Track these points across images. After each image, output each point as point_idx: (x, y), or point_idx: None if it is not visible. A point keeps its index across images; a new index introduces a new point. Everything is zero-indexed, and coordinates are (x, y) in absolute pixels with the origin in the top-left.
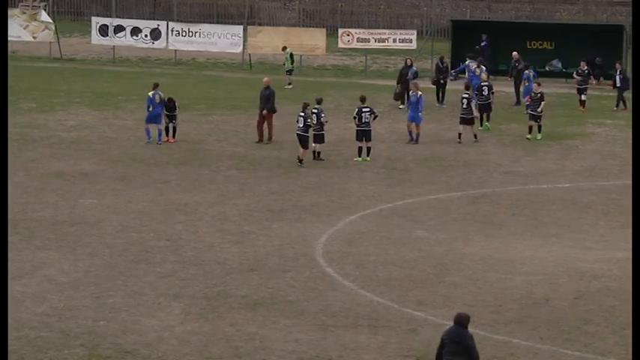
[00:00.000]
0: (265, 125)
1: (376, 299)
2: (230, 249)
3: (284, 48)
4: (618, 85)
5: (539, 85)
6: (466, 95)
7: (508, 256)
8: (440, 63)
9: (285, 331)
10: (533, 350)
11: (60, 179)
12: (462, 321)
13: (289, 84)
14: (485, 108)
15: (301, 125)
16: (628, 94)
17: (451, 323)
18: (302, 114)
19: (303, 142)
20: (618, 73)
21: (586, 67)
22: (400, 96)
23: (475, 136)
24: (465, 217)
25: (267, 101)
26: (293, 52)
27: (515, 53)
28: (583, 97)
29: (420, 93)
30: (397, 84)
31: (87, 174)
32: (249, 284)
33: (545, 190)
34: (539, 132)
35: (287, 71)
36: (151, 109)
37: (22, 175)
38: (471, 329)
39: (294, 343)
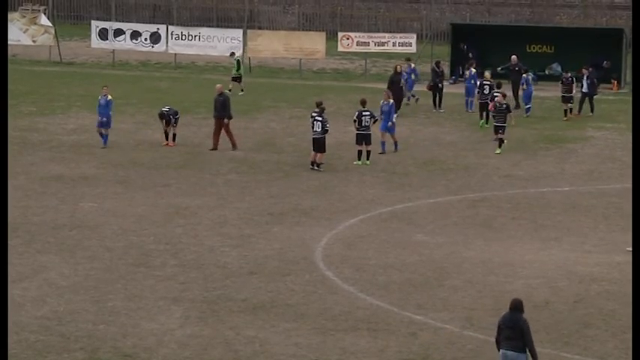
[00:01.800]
0: (224, 133)
1: (376, 303)
2: (230, 252)
3: (232, 54)
4: (585, 90)
5: (504, 96)
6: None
7: (508, 260)
8: (436, 67)
9: (284, 335)
10: None
11: (60, 183)
12: (517, 306)
13: (242, 90)
14: (485, 107)
15: (319, 130)
16: (549, 104)
17: (450, 327)
18: (319, 118)
19: (320, 145)
20: (585, 78)
21: (569, 75)
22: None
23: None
24: (464, 220)
25: (223, 108)
26: (240, 59)
27: (514, 57)
28: (569, 106)
29: (391, 101)
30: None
31: (87, 177)
32: (248, 288)
33: (545, 193)
34: (500, 147)
35: (233, 78)
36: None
37: (23, 179)
38: (470, 333)
39: (294, 346)
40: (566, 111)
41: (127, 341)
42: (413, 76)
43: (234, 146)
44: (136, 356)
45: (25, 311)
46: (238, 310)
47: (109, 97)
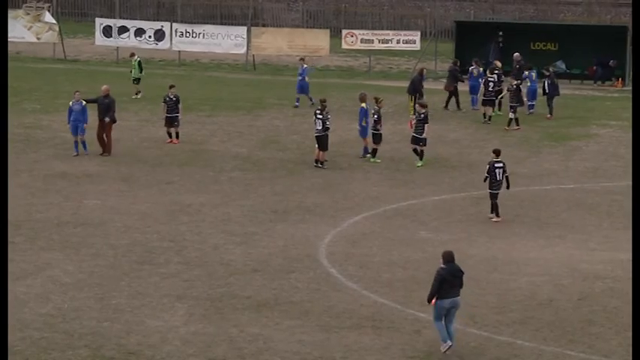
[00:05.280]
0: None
1: (380, 300)
2: (234, 250)
3: (132, 54)
4: (547, 91)
5: (423, 106)
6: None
7: (512, 257)
8: (456, 68)
9: (288, 332)
10: (537, 351)
11: (64, 180)
12: (452, 257)
13: (137, 93)
14: (489, 103)
15: (319, 127)
16: (563, 100)
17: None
18: (320, 116)
19: (322, 143)
20: (547, 78)
21: (515, 83)
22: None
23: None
24: (468, 218)
25: (107, 110)
26: (141, 60)
27: (516, 54)
28: (511, 116)
29: (363, 105)
30: (411, 95)
31: (91, 175)
32: (252, 285)
33: (549, 191)
34: (421, 159)
35: (134, 79)
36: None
37: (26, 176)
38: (474, 330)
39: (298, 344)
40: (510, 121)
41: (131, 338)
42: (307, 78)
43: (108, 151)
44: (140, 353)
45: (28, 308)
46: (242, 307)
47: (84, 102)
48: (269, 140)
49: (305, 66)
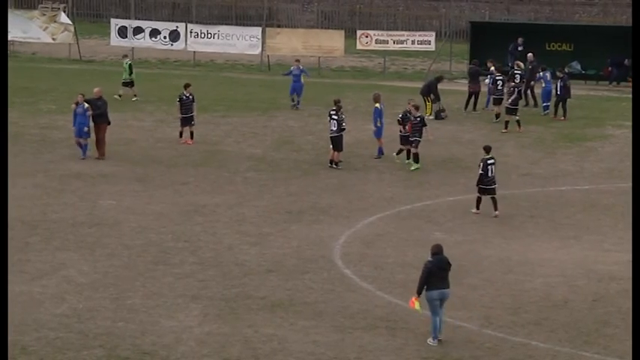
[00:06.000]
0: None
1: (394, 301)
2: (248, 250)
3: (124, 56)
4: (558, 93)
5: (416, 108)
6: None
7: (527, 258)
8: (478, 68)
9: (303, 333)
10: (552, 352)
11: (79, 180)
12: (441, 249)
13: (134, 95)
14: (500, 102)
15: (334, 128)
16: (569, 102)
17: (468, 326)
18: (335, 116)
19: (337, 144)
20: (559, 80)
21: (512, 85)
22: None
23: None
24: (483, 218)
25: (102, 113)
26: (132, 63)
27: (530, 55)
28: (509, 118)
29: (377, 105)
30: (425, 96)
31: (106, 175)
32: (267, 285)
33: (564, 192)
34: (411, 160)
35: (124, 83)
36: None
37: (42, 177)
38: (489, 331)
39: (313, 344)
40: (507, 122)
41: (145, 339)
42: (302, 79)
43: (102, 155)
44: (154, 354)
45: (44, 308)
46: (257, 307)
47: (86, 105)
48: (283, 141)
49: (301, 67)
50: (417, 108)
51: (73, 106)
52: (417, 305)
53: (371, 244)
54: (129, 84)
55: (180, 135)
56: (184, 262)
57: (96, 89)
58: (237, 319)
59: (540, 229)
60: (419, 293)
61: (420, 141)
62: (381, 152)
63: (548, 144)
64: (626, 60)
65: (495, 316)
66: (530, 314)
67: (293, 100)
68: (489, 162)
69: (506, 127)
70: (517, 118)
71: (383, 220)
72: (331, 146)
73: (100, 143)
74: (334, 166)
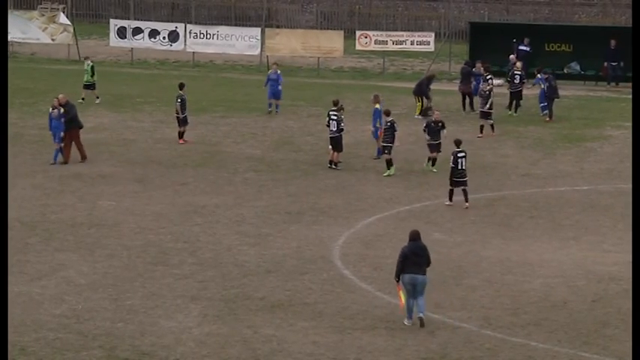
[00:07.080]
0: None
1: (394, 302)
2: (248, 251)
3: (85, 58)
4: (545, 93)
5: (387, 114)
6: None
7: (526, 259)
8: (470, 69)
9: (302, 334)
10: (551, 353)
11: (78, 181)
12: (418, 235)
13: (97, 97)
14: (516, 95)
15: (334, 129)
16: (568, 103)
17: (468, 326)
18: (334, 117)
19: (337, 144)
20: (544, 80)
21: (488, 89)
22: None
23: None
24: (482, 219)
25: (73, 118)
26: (94, 65)
27: (512, 56)
28: (484, 122)
29: (377, 106)
30: (417, 96)
31: (105, 176)
32: (266, 286)
33: (563, 192)
34: (388, 167)
35: (85, 85)
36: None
37: (41, 177)
38: (488, 332)
39: (312, 345)
40: (482, 127)
41: (145, 339)
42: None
43: (84, 157)
44: (153, 354)
45: (43, 309)
46: (256, 308)
47: (62, 109)
48: (283, 141)
49: (278, 72)
50: (387, 113)
51: (50, 109)
52: (402, 295)
53: (370, 245)
54: (90, 86)
55: (180, 135)
56: (183, 262)
57: (61, 95)
58: (236, 320)
59: (540, 229)
60: (397, 278)
61: (392, 147)
62: (380, 153)
63: (548, 144)
64: (612, 41)
65: (495, 316)
66: (529, 315)
67: (270, 106)
68: (460, 155)
69: (481, 132)
70: (491, 122)
71: (382, 220)
72: (330, 147)
73: (67, 148)
74: (334, 166)
